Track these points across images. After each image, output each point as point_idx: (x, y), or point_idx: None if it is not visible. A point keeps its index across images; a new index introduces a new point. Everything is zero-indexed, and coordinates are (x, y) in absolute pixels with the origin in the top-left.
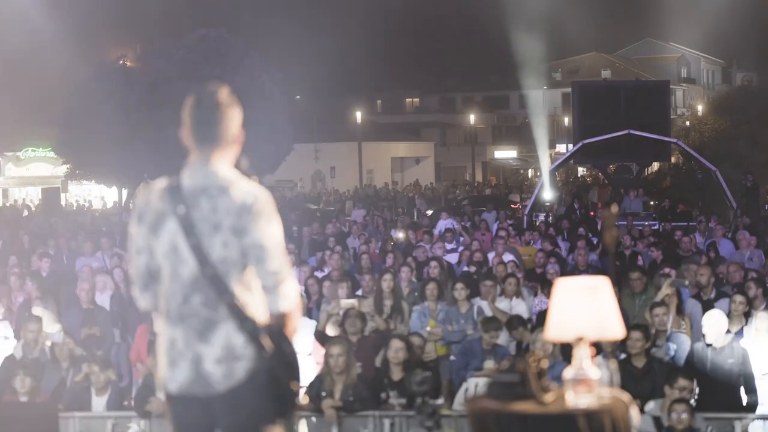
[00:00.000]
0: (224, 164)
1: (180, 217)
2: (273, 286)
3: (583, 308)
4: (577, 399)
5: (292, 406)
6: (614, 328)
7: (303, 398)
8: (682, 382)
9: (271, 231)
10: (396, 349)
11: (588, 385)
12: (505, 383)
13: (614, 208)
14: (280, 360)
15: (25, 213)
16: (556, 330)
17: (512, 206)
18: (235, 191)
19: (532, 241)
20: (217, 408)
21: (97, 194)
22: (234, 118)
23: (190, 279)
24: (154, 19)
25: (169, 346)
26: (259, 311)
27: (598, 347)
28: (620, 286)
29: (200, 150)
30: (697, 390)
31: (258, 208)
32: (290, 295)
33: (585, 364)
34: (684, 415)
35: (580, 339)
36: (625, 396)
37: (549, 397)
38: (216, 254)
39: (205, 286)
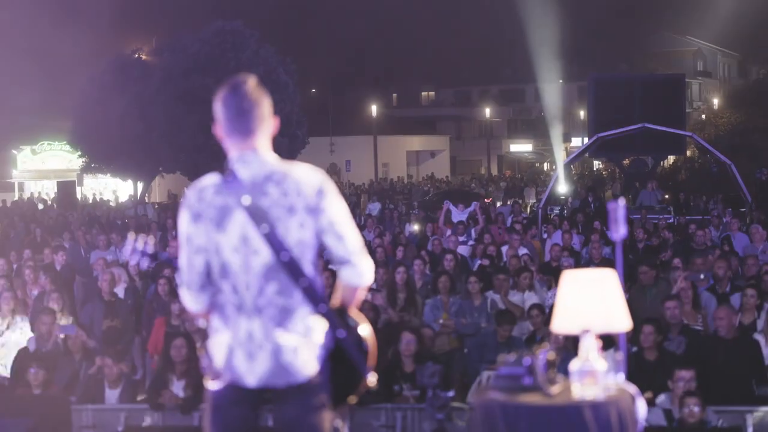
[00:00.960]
0: (270, 152)
1: (248, 208)
2: (356, 261)
3: (590, 300)
4: (583, 391)
5: (361, 382)
6: (620, 321)
7: (373, 374)
8: (682, 373)
9: (342, 207)
10: (407, 342)
11: (594, 378)
12: (512, 375)
13: (621, 202)
14: (352, 339)
15: (40, 206)
16: (562, 322)
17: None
18: (299, 174)
19: (546, 234)
20: (284, 397)
21: (112, 188)
22: (267, 105)
23: (263, 269)
24: (169, 12)
25: (246, 339)
26: (326, 292)
27: (611, 340)
28: (632, 279)
29: (241, 142)
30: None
31: (326, 186)
32: (370, 268)
33: (591, 357)
34: (696, 409)
35: (586, 331)
36: (632, 388)
37: (555, 389)
38: (293, 237)
39: (279, 274)
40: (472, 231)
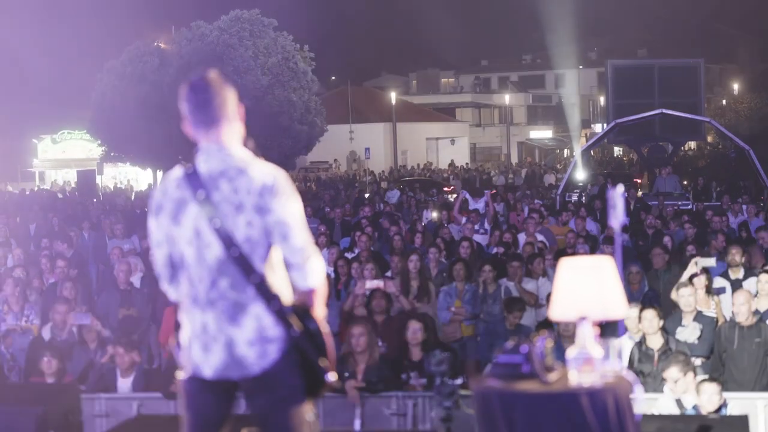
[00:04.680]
0: (237, 145)
1: (201, 202)
2: (300, 263)
3: (587, 287)
4: (580, 378)
5: (322, 383)
6: (617, 308)
7: (333, 375)
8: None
9: (292, 208)
10: (414, 330)
11: (591, 365)
12: (510, 363)
13: (620, 189)
14: (307, 338)
15: (60, 196)
16: (559, 309)
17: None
18: (254, 171)
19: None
20: (250, 389)
21: (132, 176)
22: (228, 96)
23: (216, 263)
24: (187, 1)
25: (201, 331)
26: (284, 291)
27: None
28: (646, 265)
29: (206, 135)
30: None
31: (278, 186)
32: (317, 271)
33: (588, 344)
34: (714, 397)
35: (583, 318)
36: (630, 375)
37: (553, 377)
38: (240, 234)
39: (231, 269)
40: (485, 220)
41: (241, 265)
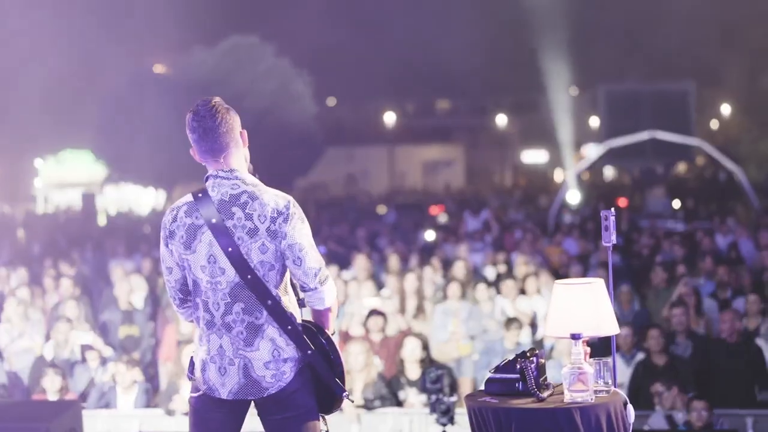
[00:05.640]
0: (244, 171)
1: (214, 227)
2: (314, 286)
3: (580, 307)
4: (573, 395)
5: (337, 401)
6: (609, 326)
7: (347, 392)
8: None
9: (305, 232)
10: (412, 348)
11: (585, 382)
12: (504, 380)
13: (612, 209)
14: (321, 356)
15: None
16: (553, 328)
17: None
18: (266, 197)
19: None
20: (266, 407)
21: (133, 199)
22: (233, 122)
23: (230, 288)
24: (187, 27)
25: (217, 355)
26: (297, 312)
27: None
28: (640, 285)
29: (214, 163)
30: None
31: (291, 211)
32: (331, 292)
33: (581, 361)
34: (704, 413)
35: (576, 336)
36: (621, 393)
37: (547, 394)
38: (255, 259)
39: (246, 293)
40: (486, 236)
41: (256, 290)
